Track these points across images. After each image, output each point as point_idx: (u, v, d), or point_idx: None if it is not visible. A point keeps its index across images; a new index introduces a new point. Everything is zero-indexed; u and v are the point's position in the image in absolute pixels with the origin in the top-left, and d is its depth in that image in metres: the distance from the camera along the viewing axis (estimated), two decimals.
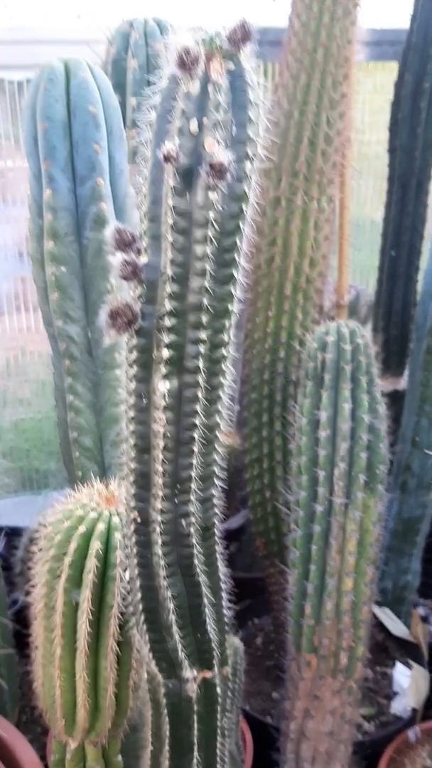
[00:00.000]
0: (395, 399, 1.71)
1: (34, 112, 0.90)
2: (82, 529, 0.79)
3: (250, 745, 1.28)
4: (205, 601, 0.70)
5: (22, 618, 1.37)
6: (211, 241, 0.56)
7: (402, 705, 1.42)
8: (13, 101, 1.63)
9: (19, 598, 1.51)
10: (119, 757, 0.93)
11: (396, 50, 1.69)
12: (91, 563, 0.78)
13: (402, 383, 1.79)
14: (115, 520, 0.79)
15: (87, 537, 0.78)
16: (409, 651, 1.55)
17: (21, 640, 1.28)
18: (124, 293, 0.61)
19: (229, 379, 0.64)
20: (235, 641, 1.12)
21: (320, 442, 1.11)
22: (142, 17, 1.12)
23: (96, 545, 0.78)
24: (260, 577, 1.54)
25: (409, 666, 1.49)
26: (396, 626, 1.59)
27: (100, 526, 0.79)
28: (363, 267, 2.05)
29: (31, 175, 0.94)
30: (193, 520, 0.66)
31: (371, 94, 1.93)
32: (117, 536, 0.78)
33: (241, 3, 1.52)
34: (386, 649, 1.59)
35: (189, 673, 0.73)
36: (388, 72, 1.78)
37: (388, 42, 1.76)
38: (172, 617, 0.69)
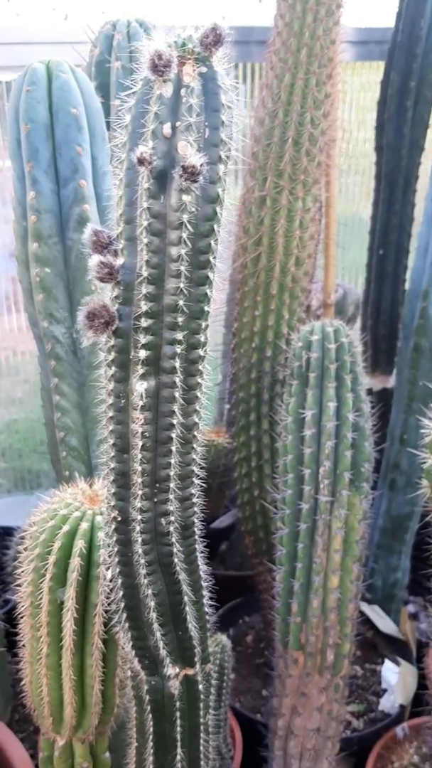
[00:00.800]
0: (384, 397, 1.72)
1: (17, 114, 0.90)
2: (66, 528, 0.79)
3: (239, 742, 1.29)
4: (186, 599, 0.71)
5: (14, 617, 1.37)
6: (186, 242, 0.57)
7: (390, 702, 1.43)
8: (2, 102, 1.64)
9: (11, 597, 1.51)
10: (107, 754, 0.93)
11: (382, 49, 1.70)
12: (75, 562, 0.78)
13: (390, 381, 1.80)
14: (99, 519, 0.80)
15: (71, 536, 0.79)
16: (397, 648, 1.56)
17: (13, 640, 1.29)
18: (106, 295, 0.62)
19: (206, 379, 0.65)
20: (222, 639, 1.13)
21: (305, 441, 1.12)
22: (125, 18, 1.12)
23: (80, 544, 0.78)
24: (250, 575, 1.55)
25: (397, 663, 1.50)
26: (385, 623, 1.60)
27: (84, 525, 0.79)
28: (351, 265, 2.06)
29: (15, 177, 0.94)
30: (172, 518, 0.67)
31: (358, 93, 1.94)
32: (100, 535, 0.79)
33: (228, 3, 1.53)
34: (375, 646, 1.60)
35: (171, 670, 0.74)
36: (375, 70, 1.79)
37: (375, 41, 1.78)
38: (153, 615, 0.70)
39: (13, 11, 1.53)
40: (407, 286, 1.69)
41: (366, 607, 1.60)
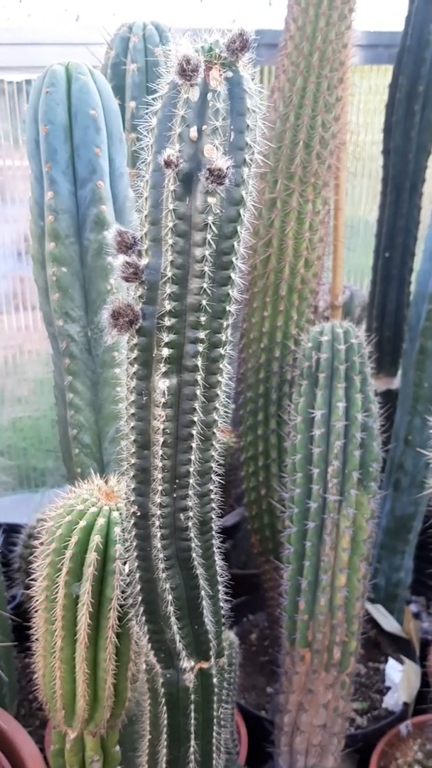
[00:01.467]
0: (389, 398, 1.73)
1: (36, 114, 0.92)
2: (82, 523, 0.80)
3: (244, 738, 1.30)
4: (203, 593, 0.72)
5: (20, 613, 1.39)
6: (210, 244, 0.58)
7: (394, 699, 1.44)
8: (12, 102, 1.65)
9: (17, 593, 1.53)
10: (117, 748, 0.94)
11: (391, 53, 1.71)
12: (92, 557, 0.79)
13: (395, 383, 1.82)
14: (115, 515, 0.81)
15: (87, 531, 0.80)
16: (401, 647, 1.57)
17: (20, 635, 1.30)
18: (124, 293, 0.63)
19: (226, 378, 0.66)
20: (230, 635, 1.14)
21: (315, 440, 1.14)
22: (141, 21, 1.13)
23: (96, 539, 0.79)
24: (255, 573, 1.56)
25: (401, 661, 1.52)
26: (388, 622, 1.61)
27: (101, 521, 0.80)
28: (357, 268, 2.07)
29: (32, 177, 0.96)
30: (191, 514, 0.68)
31: (366, 96, 1.95)
32: (116, 530, 0.80)
33: (239, 5, 1.54)
34: (378, 645, 1.61)
35: (186, 663, 0.75)
36: (383, 74, 1.80)
37: (383, 45, 1.79)
38: (171, 609, 0.71)
39: (25, 12, 1.54)
40: (413, 288, 1.70)
41: (369, 606, 1.62)
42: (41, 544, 0.85)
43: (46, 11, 1.57)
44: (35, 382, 2.14)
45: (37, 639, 0.89)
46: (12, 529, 1.60)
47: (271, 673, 1.47)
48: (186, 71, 0.56)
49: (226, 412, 0.69)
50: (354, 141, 1.78)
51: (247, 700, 1.46)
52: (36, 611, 0.87)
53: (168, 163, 0.57)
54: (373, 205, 1.84)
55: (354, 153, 1.56)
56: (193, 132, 0.57)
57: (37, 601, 0.86)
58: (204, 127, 0.57)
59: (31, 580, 0.87)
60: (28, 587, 0.91)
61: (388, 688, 1.49)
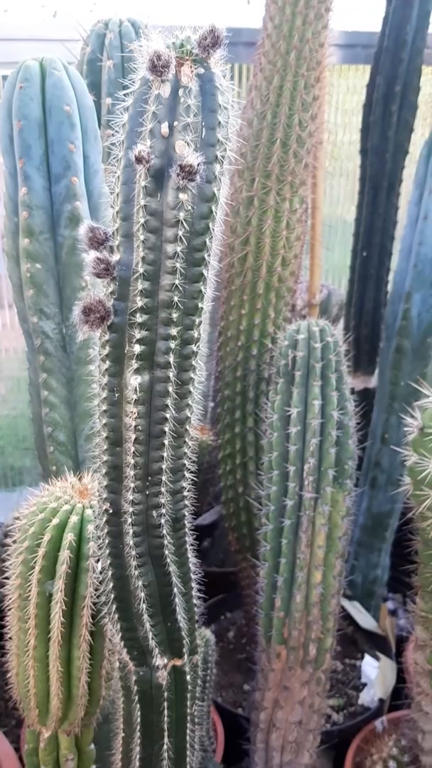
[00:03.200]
0: (366, 397, 1.74)
1: (9, 110, 0.91)
2: (55, 521, 0.80)
3: (221, 736, 1.30)
4: (176, 590, 0.72)
5: None
6: (182, 240, 0.58)
7: (370, 696, 1.45)
8: None
9: None
10: (92, 746, 0.94)
11: (369, 53, 1.72)
12: (64, 555, 0.79)
13: (372, 381, 1.83)
14: (88, 512, 0.81)
15: (60, 529, 0.80)
16: (377, 643, 1.58)
17: None
18: (98, 290, 0.63)
19: (199, 375, 0.66)
20: (206, 633, 1.14)
21: (291, 438, 1.14)
22: (117, 18, 1.13)
23: (69, 537, 0.79)
24: (233, 571, 1.56)
25: (377, 658, 1.53)
26: (365, 619, 1.62)
27: (74, 518, 0.80)
28: (335, 267, 2.08)
29: (6, 173, 0.95)
30: (163, 511, 0.68)
31: (344, 96, 1.96)
32: (90, 528, 0.79)
33: (217, 3, 1.54)
34: (355, 641, 1.62)
35: (159, 660, 0.75)
36: (361, 74, 1.81)
37: (361, 45, 1.79)
38: (143, 606, 0.71)
39: (1, 8, 1.53)
40: (390, 287, 1.72)
41: (346, 603, 1.62)
42: (14, 542, 0.84)
43: (23, 7, 1.56)
44: (12, 381, 2.13)
45: (10, 637, 0.88)
46: None
47: (248, 670, 1.47)
48: (157, 67, 0.56)
49: (201, 409, 0.69)
50: (332, 141, 1.79)
51: (224, 697, 1.47)
52: (9, 609, 0.87)
53: (139, 159, 0.57)
54: (351, 205, 1.85)
55: (332, 153, 1.57)
56: (165, 128, 0.57)
57: (10, 599, 0.86)
58: (175, 123, 0.57)
59: (5, 578, 0.86)
60: (2, 585, 0.90)
61: (364, 685, 1.49)
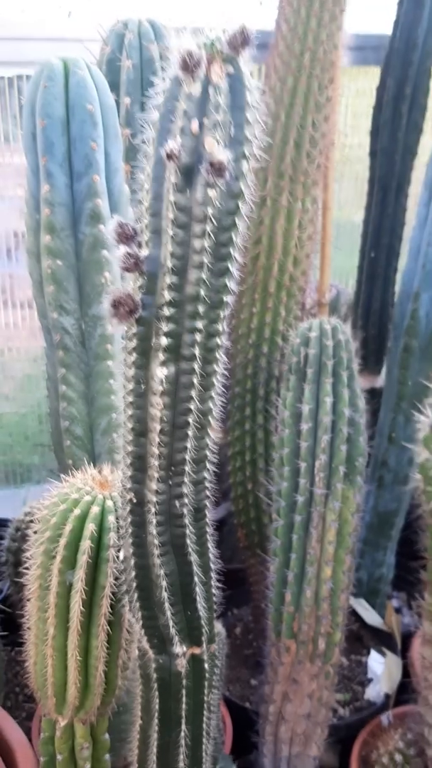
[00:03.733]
0: (373, 396, 1.75)
1: (33, 108, 0.92)
2: (77, 511, 0.81)
3: (229, 728, 1.32)
4: (196, 579, 0.74)
5: (7, 605, 1.39)
6: (209, 235, 0.60)
7: (376, 691, 1.46)
8: (3, 98, 1.65)
9: (4, 586, 1.53)
10: (106, 736, 0.95)
11: (379, 55, 1.73)
12: (86, 545, 0.80)
13: (379, 381, 1.84)
14: (109, 503, 0.82)
15: (82, 519, 0.81)
16: (382, 640, 1.60)
17: (6, 627, 1.31)
18: (118, 286, 0.65)
19: (222, 367, 0.67)
20: (217, 626, 1.15)
21: (302, 435, 1.15)
22: (136, 18, 1.15)
23: (90, 527, 0.80)
24: (240, 568, 1.57)
25: (382, 654, 1.54)
26: (370, 616, 1.63)
27: (95, 509, 0.81)
28: (343, 267, 2.09)
29: (29, 171, 0.96)
30: (186, 501, 0.69)
31: (354, 98, 1.97)
32: (110, 519, 0.81)
33: (230, 5, 1.55)
34: (361, 638, 1.63)
35: (179, 648, 0.76)
36: (371, 77, 1.82)
37: (371, 47, 1.81)
38: (165, 594, 0.72)
39: (18, 7, 1.54)
40: (398, 287, 1.73)
41: (352, 601, 1.64)
42: (35, 532, 0.86)
43: (40, 6, 1.58)
44: (21, 380, 2.14)
45: (28, 627, 0.89)
46: None
47: (255, 665, 1.48)
48: (189, 65, 0.57)
49: (222, 402, 0.70)
50: (341, 143, 1.81)
51: (231, 691, 1.48)
52: (29, 599, 0.88)
53: (170, 156, 0.58)
54: (359, 207, 1.86)
55: (341, 155, 1.58)
56: (195, 125, 0.58)
57: (30, 589, 0.87)
58: (205, 120, 0.58)
59: (18, 572, 0.88)
60: (14, 581, 0.92)
61: (370, 680, 1.51)
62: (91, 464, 0.95)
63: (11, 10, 1.55)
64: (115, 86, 1.12)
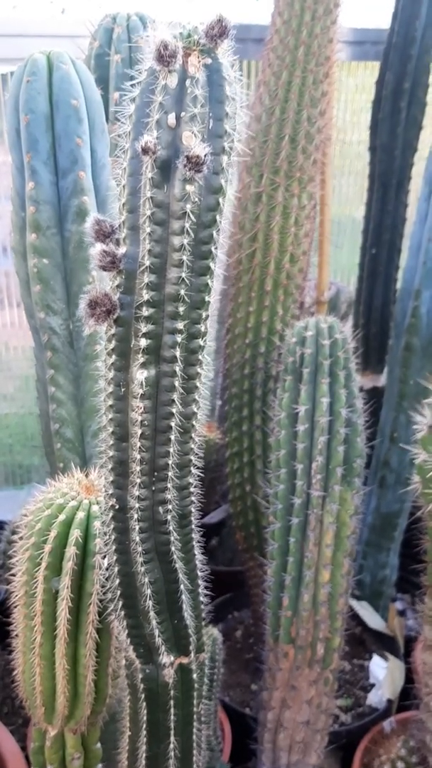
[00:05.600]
0: (374, 395, 1.73)
1: (16, 104, 0.90)
2: (62, 517, 0.80)
3: (228, 735, 1.30)
4: (182, 587, 0.71)
5: (4, 610, 1.37)
6: (188, 232, 0.58)
7: (378, 696, 1.44)
8: None
9: (1, 589, 1.51)
10: (98, 745, 0.94)
11: (378, 50, 1.71)
12: (71, 551, 0.79)
13: (381, 380, 1.82)
14: (95, 508, 0.80)
15: (67, 525, 0.79)
16: (385, 644, 1.57)
17: (2, 632, 1.29)
18: (104, 284, 0.63)
19: (206, 369, 0.65)
20: (214, 632, 1.14)
21: (298, 436, 1.13)
22: (125, 12, 1.13)
23: (75, 533, 0.79)
24: (240, 570, 1.55)
25: (385, 658, 1.51)
26: (373, 619, 1.61)
27: (80, 515, 0.80)
28: (344, 264, 2.07)
29: (13, 168, 0.95)
30: (170, 507, 0.67)
31: (353, 94, 1.95)
32: (96, 524, 0.79)
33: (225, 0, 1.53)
34: (363, 642, 1.61)
35: (166, 658, 0.74)
36: (370, 71, 1.80)
37: (370, 42, 1.79)
38: (149, 603, 0.70)
39: (10, 4, 1.53)
40: (399, 285, 1.71)
41: (354, 603, 1.61)
42: (20, 538, 0.84)
43: (32, 3, 1.56)
44: (21, 379, 2.13)
45: (16, 635, 0.88)
46: None
47: (255, 670, 1.46)
48: (164, 57, 0.55)
49: (209, 407, 0.68)
50: (341, 139, 1.78)
51: (231, 697, 1.46)
52: (15, 606, 0.86)
53: (145, 150, 0.56)
54: (359, 203, 1.84)
55: (341, 151, 1.56)
56: (171, 118, 0.56)
57: (16, 596, 0.85)
58: (182, 113, 0.56)
59: (11, 575, 0.86)
60: (10, 583, 0.90)
61: (373, 685, 1.48)
62: (83, 467, 0.94)
63: (3, 6, 1.53)
64: (103, 81, 1.10)
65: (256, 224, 1.30)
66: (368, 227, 1.78)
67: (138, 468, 0.65)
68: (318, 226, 1.44)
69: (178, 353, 0.61)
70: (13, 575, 0.86)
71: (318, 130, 1.25)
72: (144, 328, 0.60)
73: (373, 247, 1.76)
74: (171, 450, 0.65)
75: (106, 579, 0.73)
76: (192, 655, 0.76)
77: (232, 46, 0.58)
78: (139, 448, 0.64)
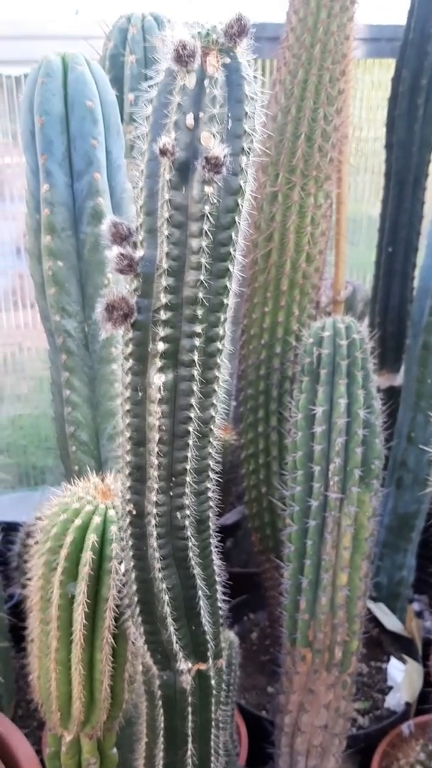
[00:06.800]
0: (391, 395, 1.72)
1: (31, 106, 0.90)
2: (78, 521, 0.79)
3: (245, 739, 1.29)
4: (200, 593, 0.71)
5: (18, 612, 1.37)
6: (207, 234, 0.57)
7: (396, 699, 1.43)
8: (11, 96, 1.63)
9: (15, 592, 1.51)
10: (114, 750, 0.93)
11: (394, 47, 1.69)
12: (87, 556, 0.78)
13: (398, 379, 1.80)
14: (111, 513, 0.80)
15: (83, 530, 0.79)
16: (403, 646, 1.56)
17: (17, 635, 1.29)
18: (120, 288, 0.62)
19: (224, 373, 0.64)
20: (230, 635, 1.12)
21: (316, 438, 1.12)
22: (139, 12, 1.12)
23: (92, 538, 0.78)
24: (256, 572, 1.54)
25: (403, 661, 1.50)
26: (390, 621, 1.59)
27: (96, 519, 0.79)
28: (360, 263, 2.06)
29: (28, 170, 0.94)
30: (188, 512, 0.66)
31: (369, 91, 1.93)
32: (113, 529, 0.78)
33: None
34: (381, 644, 1.60)
35: (184, 665, 0.73)
36: (386, 68, 1.78)
37: (386, 38, 1.77)
38: (167, 609, 0.69)
39: (24, 5, 1.52)
40: (416, 283, 1.69)
41: (372, 605, 1.60)
42: (36, 542, 0.84)
43: (46, 4, 1.56)
44: (35, 380, 2.13)
45: (32, 640, 0.87)
46: (11, 528, 1.59)
47: (271, 672, 1.45)
48: (182, 57, 0.54)
49: (225, 409, 0.67)
50: (357, 136, 1.76)
51: (247, 700, 1.45)
52: (31, 611, 0.86)
53: (164, 152, 0.55)
54: (375, 201, 1.82)
55: (357, 148, 1.55)
56: (190, 119, 0.55)
57: (32, 600, 0.85)
58: (201, 114, 0.55)
59: (28, 579, 0.86)
60: (25, 586, 0.90)
61: (390, 688, 1.47)
62: (98, 471, 0.93)
63: (18, 8, 1.53)
64: (118, 82, 1.10)
65: (272, 224, 1.28)
66: (384, 225, 1.76)
67: (156, 473, 0.64)
68: (334, 224, 1.43)
69: (196, 357, 0.60)
70: (29, 579, 0.85)
71: (334, 129, 1.23)
72: (162, 332, 0.59)
73: (389, 245, 1.75)
74: (189, 455, 0.64)
75: (123, 584, 0.73)
76: (210, 661, 0.75)
77: (251, 44, 0.58)
78: (157, 453, 0.63)
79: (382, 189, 1.75)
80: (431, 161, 1.70)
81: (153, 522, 0.66)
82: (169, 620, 0.70)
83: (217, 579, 0.73)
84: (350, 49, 1.22)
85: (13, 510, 1.94)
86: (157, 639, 0.72)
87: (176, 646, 0.72)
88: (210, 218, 0.56)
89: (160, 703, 0.75)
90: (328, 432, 1.12)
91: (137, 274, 0.59)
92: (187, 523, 0.67)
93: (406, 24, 1.63)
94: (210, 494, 0.68)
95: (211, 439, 0.65)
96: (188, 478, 0.65)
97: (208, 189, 0.56)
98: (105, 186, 0.93)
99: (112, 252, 0.59)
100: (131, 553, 0.68)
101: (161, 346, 0.60)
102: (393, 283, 1.76)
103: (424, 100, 1.63)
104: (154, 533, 0.66)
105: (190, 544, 0.68)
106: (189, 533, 0.67)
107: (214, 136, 0.55)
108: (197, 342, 0.60)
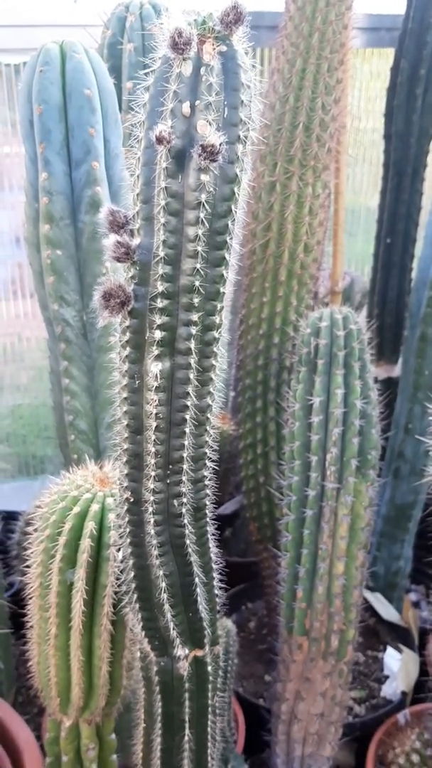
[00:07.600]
0: (389, 386, 1.72)
1: (29, 94, 0.90)
2: (76, 509, 0.79)
3: (242, 726, 1.30)
4: (197, 580, 0.71)
5: (18, 600, 1.38)
6: (203, 222, 0.57)
7: (392, 688, 1.43)
8: (10, 85, 1.63)
9: (15, 580, 1.52)
10: (113, 736, 0.94)
11: (393, 36, 1.68)
12: (86, 543, 0.79)
13: (396, 370, 1.80)
14: (109, 500, 0.80)
15: (81, 517, 0.79)
16: (399, 635, 1.57)
17: (17, 622, 1.30)
18: (118, 276, 0.62)
19: (220, 361, 0.65)
20: (228, 623, 1.13)
21: (313, 428, 1.12)
22: (137, 1, 1.11)
23: (90, 525, 0.78)
24: (254, 561, 1.55)
25: (399, 650, 1.51)
26: (387, 611, 1.60)
27: (95, 507, 0.79)
28: (358, 254, 2.06)
29: (27, 159, 0.94)
30: (185, 500, 0.67)
31: (367, 81, 1.92)
32: (111, 517, 0.79)
33: None
34: (377, 633, 1.61)
35: (181, 651, 0.74)
36: (385, 58, 1.78)
37: (385, 28, 1.76)
38: (164, 596, 0.70)
39: None
40: (414, 275, 1.69)
41: (368, 595, 1.61)
42: (35, 530, 0.84)
43: None
44: (34, 370, 2.13)
45: (31, 626, 0.88)
46: (11, 517, 1.59)
47: (269, 661, 1.46)
48: (178, 45, 0.54)
49: (222, 398, 0.67)
50: (355, 127, 1.76)
51: (245, 688, 1.46)
52: (30, 598, 0.86)
53: (160, 140, 0.55)
54: (374, 192, 1.82)
55: (355, 139, 1.54)
56: (186, 107, 0.55)
57: (31, 587, 0.85)
58: (197, 102, 0.55)
59: (27, 566, 0.86)
60: (25, 574, 0.91)
61: (387, 677, 1.48)
62: (96, 459, 0.93)
63: None
64: (117, 70, 1.09)
65: (269, 214, 1.29)
66: (383, 216, 1.76)
67: (153, 461, 0.64)
68: (332, 215, 1.43)
69: (192, 345, 0.61)
70: (28, 567, 0.86)
71: (332, 118, 1.23)
72: (158, 319, 0.60)
73: (387, 236, 1.75)
74: (186, 443, 0.64)
75: (121, 571, 0.73)
76: (207, 647, 0.76)
77: (246, 33, 0.58)
78: (154, 440, 0.64)
79: (381, 180, 1.75)
80: (430, 152, 1.69)
81: (150, 509, 0.66)
82: (167, 607, 0.71)
83: (214, 566, 0.74)
84: (349, 39, 1.22)
85: (13, 499, 1.95)
86: (155, 625, 0.73)
87: (173, 633, 0.73)
88: (206, 206, 0.57)
89: (158, 688, 0.76)
90: (325, 422, 1.12)
91: (134, 262, 0.59)
92: (184, 510, 0.67)
93: (405, 14, 1.62)
94: (207, 482, 0.69)
95: (207, 428, 0.66)
96: (185, 466, 0.65)
97: (204, 177, 0.56)
98: (103, 175, 0.93)
99: (109, 240, 0.59)
100: (129, 540, 0.69)
101: (158, 334, 0.60)
102: (391, 274, 1.76)
103: (422, 90, 1.62)
104: (152, 520, 0.67)
105: (187, 531, 0.68)
106: (186, 521, 0.68)
107: (210, 123, 0.55)
108: (194, 330, 0.60)
